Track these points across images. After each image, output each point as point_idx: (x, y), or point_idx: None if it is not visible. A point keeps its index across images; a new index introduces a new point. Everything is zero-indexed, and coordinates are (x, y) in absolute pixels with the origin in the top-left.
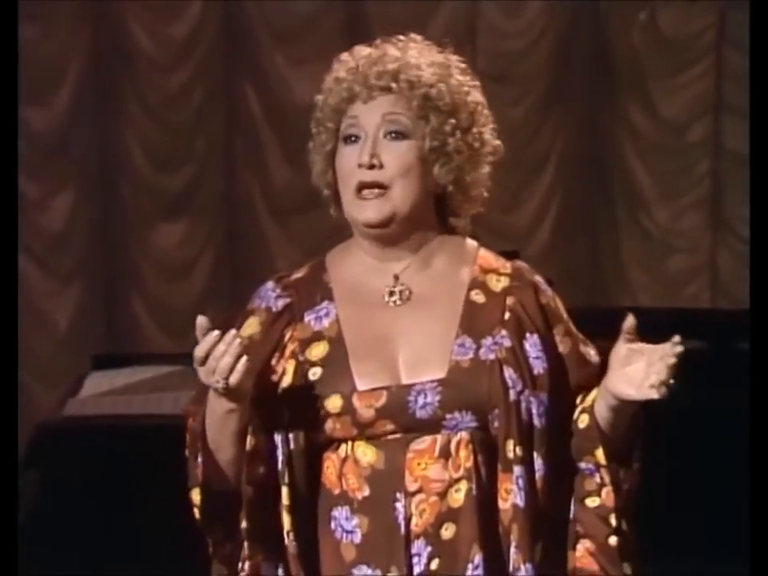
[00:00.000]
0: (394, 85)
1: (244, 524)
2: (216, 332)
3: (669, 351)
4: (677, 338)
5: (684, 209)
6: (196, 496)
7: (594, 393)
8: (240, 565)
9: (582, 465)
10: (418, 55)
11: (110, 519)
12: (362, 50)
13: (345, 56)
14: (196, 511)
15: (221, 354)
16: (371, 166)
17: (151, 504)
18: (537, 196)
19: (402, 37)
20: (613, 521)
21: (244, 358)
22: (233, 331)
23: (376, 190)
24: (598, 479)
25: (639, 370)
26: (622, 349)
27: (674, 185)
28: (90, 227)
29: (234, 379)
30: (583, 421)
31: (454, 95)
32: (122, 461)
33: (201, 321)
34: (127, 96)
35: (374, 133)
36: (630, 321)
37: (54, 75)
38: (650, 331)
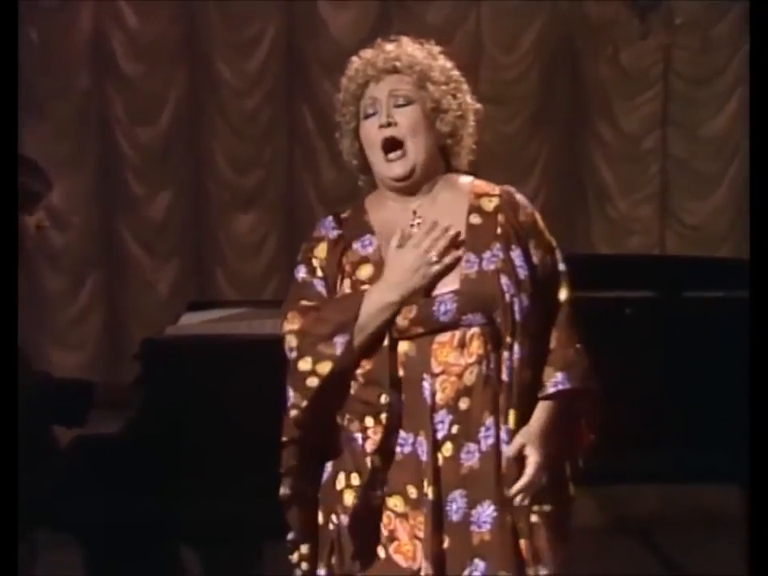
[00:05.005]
0: (398, 64)
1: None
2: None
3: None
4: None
5: (639, 201)
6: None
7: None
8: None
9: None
10: (410, 45)
11: (204, 416)
12: (367, 50)
13: (354, 58)
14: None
15: (436, 241)
16: (389, 125)
17: (236, 405)
18: (526, 193)
19: (393, 37)
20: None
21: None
22: (448, 233)
23: (399, 152)
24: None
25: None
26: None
27: (632, 183)
28: (184, 217)
29: (437, 266)
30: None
31: (442, 71)
32: (210, 367)
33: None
34: (213, 115)
35: (387, 103)
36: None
37: (158, 101)
38: (609, 274)
